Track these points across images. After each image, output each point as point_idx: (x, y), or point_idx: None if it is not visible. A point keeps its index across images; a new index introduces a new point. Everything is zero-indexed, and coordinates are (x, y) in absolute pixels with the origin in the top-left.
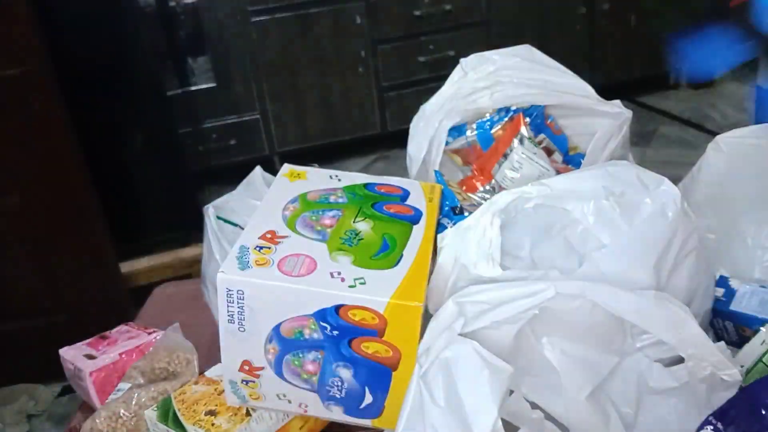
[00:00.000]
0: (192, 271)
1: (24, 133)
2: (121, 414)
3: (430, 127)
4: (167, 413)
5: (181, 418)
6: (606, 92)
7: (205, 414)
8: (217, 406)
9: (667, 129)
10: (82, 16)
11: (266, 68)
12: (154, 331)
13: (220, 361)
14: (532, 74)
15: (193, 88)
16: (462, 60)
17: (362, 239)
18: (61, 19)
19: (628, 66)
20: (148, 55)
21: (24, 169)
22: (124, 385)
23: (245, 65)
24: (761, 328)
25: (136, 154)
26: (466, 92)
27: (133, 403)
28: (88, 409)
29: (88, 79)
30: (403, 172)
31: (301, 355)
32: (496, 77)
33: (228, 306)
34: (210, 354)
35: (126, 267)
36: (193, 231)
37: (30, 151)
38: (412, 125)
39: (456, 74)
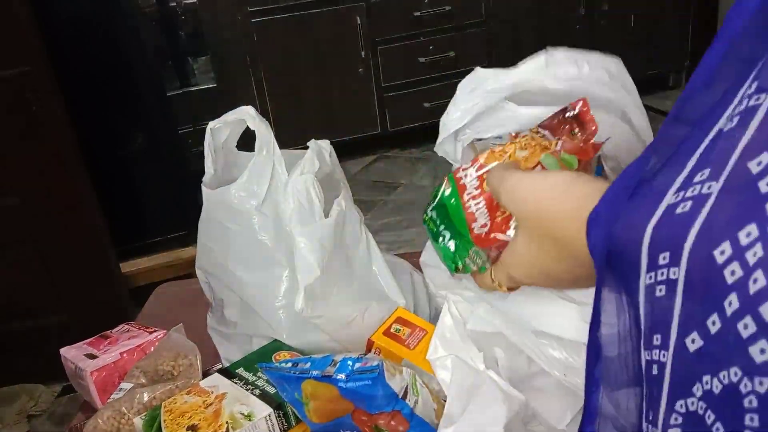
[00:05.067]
0: (192, 271)
1: (24, 133)
2: (125, 413)
3: (481, 101)
4: (153, 422)
5: (164, 429)
6: None
7: (187, 429)
8: (199, 421)
9: None
10: (81, 15)
11: (266, 68)
12: (155, 331)
13: (221, 361)
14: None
15: (193, 88)
16: (549, 49)
17: None
18: (61, 19)
19: (628, 66)
20: (148, 55)
21: (24, 169)
22: (126, 385)
23: (245, 65)
24: None
25: (136, 154)
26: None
27: (136, 402)
28: (89, 409)
29: (88, 79)
30: (404, 172)
31: None
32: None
33: None
34: (211, 354)
35: (126, 267)
36: (193, 231)
37: (30, 151)
38: (461, 86)
39: (538, 61)
